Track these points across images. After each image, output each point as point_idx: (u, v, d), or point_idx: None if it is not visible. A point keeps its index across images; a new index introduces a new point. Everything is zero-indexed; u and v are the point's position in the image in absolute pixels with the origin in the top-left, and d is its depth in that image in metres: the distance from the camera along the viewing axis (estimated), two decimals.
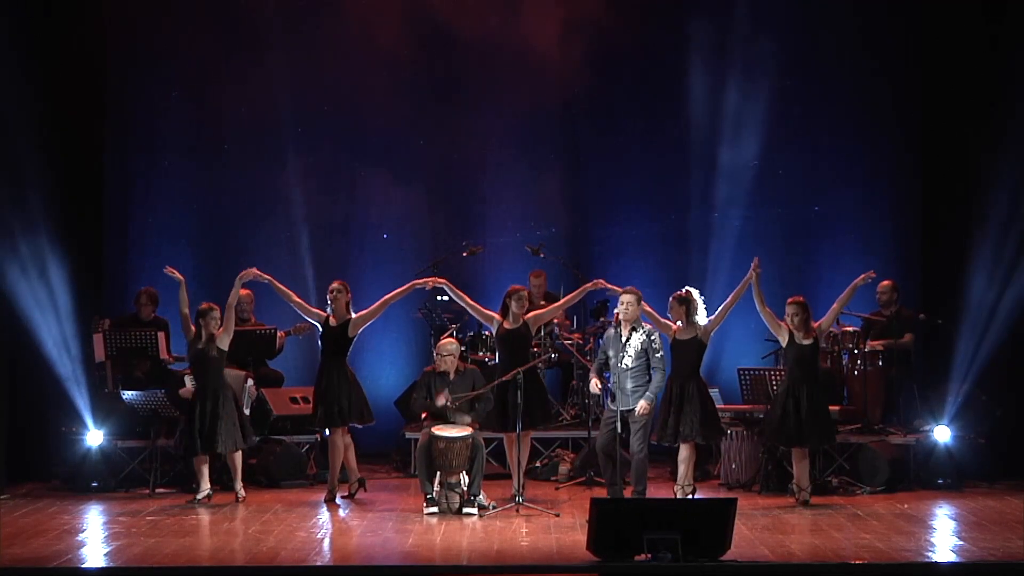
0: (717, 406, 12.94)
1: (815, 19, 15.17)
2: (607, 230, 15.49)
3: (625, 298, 11.41)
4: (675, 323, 11.78)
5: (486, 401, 11.82)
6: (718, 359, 14.94)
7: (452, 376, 11.90)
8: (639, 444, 11.27)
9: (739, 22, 15.18)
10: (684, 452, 11.69)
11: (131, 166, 15.21)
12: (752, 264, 11.75)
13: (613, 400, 11.34)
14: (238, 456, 12.13)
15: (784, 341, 11.98)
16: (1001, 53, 13.89)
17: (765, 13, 15.13)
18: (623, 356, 11.29)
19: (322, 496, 12.29)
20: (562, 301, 12.44)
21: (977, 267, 13.63)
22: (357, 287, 12.94)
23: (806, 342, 11.89)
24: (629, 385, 11.26)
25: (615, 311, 11.53)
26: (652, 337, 11.35)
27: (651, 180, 15.44)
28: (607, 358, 11.44)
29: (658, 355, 11.34)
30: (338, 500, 12.17)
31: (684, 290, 11.82)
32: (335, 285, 12.27)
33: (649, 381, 11.30)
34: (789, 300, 12.07)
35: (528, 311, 12.11)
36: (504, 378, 11.66)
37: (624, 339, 11.32)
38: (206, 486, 12.03)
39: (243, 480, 12.23)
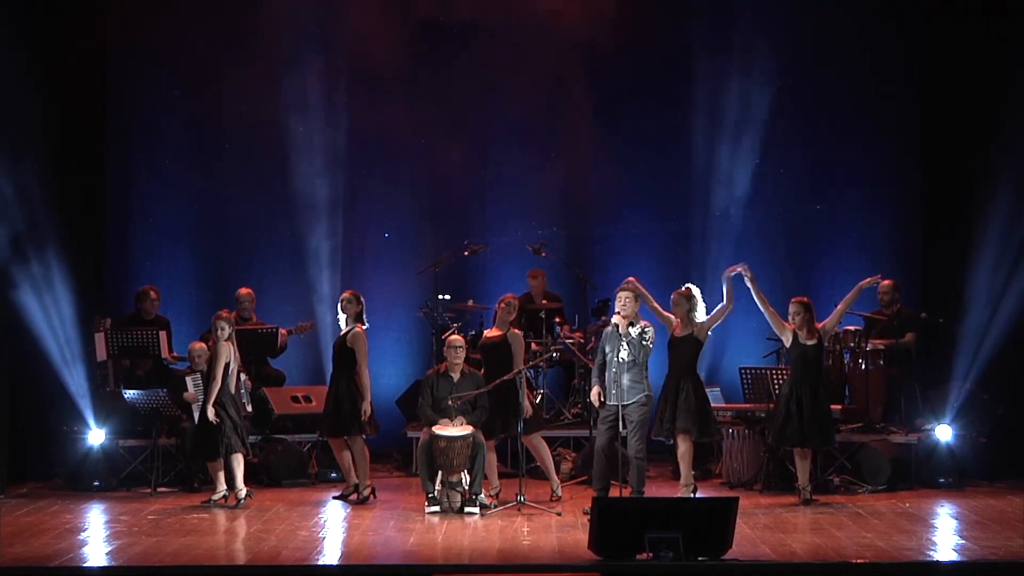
0: (719, 405, 13.01)
1: (817, 19, 15.16)
2: (609, 229, 15.48)
3: (621, 295, 11.36)
4: (676, 319, 11.76)
5: (482, 409, 11.81)
6: (720, 358, 14.95)
7: (457, 378, 11.89)
8: (637, 445, 11.22)
9: (742, 22, 15.19)
10: (681, 448, 11.63)
11: (132, 165, 15.20)
12: (740, 268, 11.70)
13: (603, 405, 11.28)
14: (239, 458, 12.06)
15: (788, 341, 11.97)
16: (1002, 51, 13.89)
17: (767, 12, 15.13)
18: (619, 350, 11.23)
19: (323, 495, 12.37)
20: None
21: (978, 265, 13.64)
22: (359, 287, 12.94)
23: (810, 342, 11.89)
24: (626, 380, 11.20)
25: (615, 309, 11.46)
26: (645, 331, 11.29)
27: (653, 179, 15.43)
28: (605, 356, 11.37)
29: (645, 344, 11.21)
30: (341, 498, 12.19)
31: (686, 287, 11.82)
32: (345, 295, 12.21)
33: (645, 378, 11.25)
34: (793, 300, 12.07)
35: (523, 313, 12.10)
36: (505, 377, 11.67)
37: (621, 334, 11.27)
38: (222, 487, 11.99)
39: (244, 479, 12.17)
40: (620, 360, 11.18)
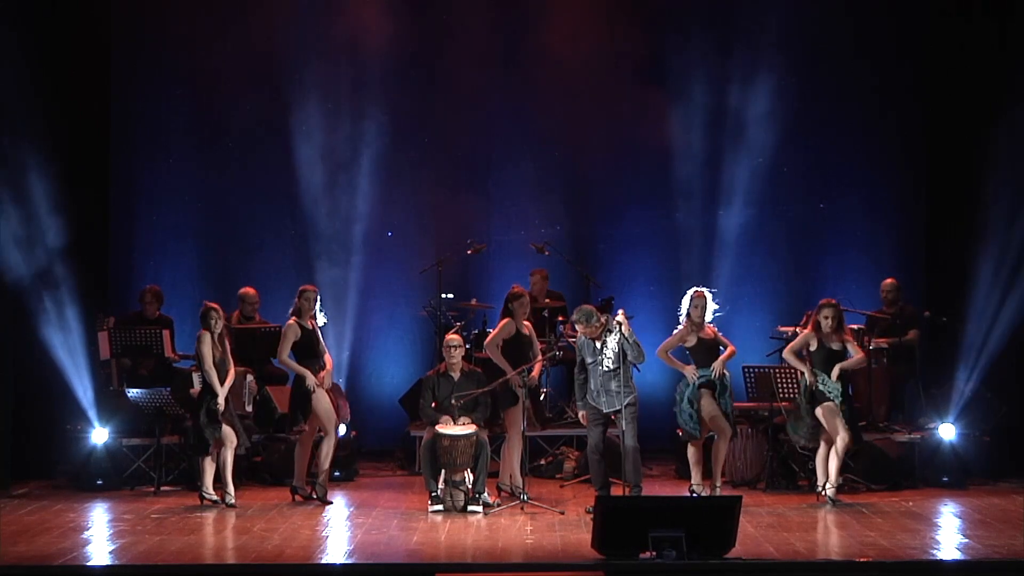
0: None
1: (821, 17, 15.16)
2: (612, 228, 15.47)
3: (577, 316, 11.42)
4: (699, 320, 11.85)
5: (484, 407, 11.81)
6: None
7: (457, 377, 11.89)
8: (632, 442, 11.22)
9: (745, 20, 15.18)
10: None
11: (136, 164, 15.21)
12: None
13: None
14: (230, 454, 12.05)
15: (813, 346, 11.91)
16: (1006, 49, 13.89)
17: (771, 11, 15.12)
18: (602, 359, 11.27)
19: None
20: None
21: (982, 264, 13.63)
22: (362, 285, 12.95)
23: (835, 346, 11.86)
24: (613, 386, 11.23)
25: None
26: (624, 332, 11.24)
27: (656, 178, 15.42)
28: (586, 366, 11.37)
29: (631, 341, 11.20)
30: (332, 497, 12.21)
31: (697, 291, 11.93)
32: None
33: (631, 379, 11.28)
34: (823, 302, 11.98)
35: (530, 310, 12.13)
36: (507, 376, 11.67)
37: (599, 346, 11.29)
38: (209, 482, 11.97)
39: (247, 478, 12.16)
40: (605, 368, 11.23)
